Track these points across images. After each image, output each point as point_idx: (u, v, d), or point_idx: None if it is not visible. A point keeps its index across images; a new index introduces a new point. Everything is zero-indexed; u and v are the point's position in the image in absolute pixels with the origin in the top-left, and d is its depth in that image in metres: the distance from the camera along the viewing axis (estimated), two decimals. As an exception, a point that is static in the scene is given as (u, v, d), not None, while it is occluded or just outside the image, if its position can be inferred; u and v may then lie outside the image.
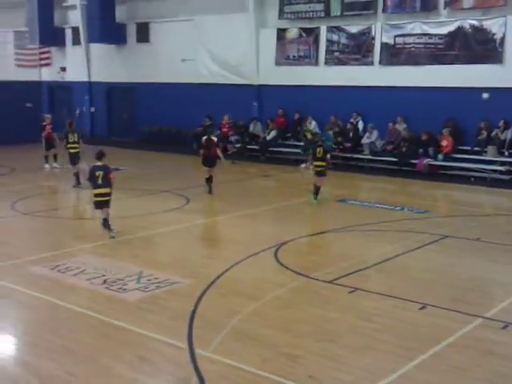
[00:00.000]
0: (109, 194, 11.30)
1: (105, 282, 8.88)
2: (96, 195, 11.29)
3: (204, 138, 15.81)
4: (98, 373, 6.26)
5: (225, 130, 21.97)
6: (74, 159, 16.62)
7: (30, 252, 10.65)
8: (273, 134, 21.83)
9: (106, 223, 11.35)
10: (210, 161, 15.52)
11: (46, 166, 19.20)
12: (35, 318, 7.83)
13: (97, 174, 11.29)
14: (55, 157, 19.40)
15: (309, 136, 20.24)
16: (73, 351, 6.75)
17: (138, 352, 6.70)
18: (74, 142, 16.88)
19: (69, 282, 8.95)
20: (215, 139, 15.88)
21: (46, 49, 29.51)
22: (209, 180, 15.50)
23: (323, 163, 14.17)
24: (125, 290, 8.58)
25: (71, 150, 16.79)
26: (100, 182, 11.25)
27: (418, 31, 19.37)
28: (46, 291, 8.52)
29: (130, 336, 7.13)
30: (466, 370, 6.32)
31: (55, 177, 18.77)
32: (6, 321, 7.87)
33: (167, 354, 6.68)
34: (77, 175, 16.18)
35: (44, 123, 19.55)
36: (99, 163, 11.44)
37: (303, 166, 19.72)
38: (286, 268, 9.58)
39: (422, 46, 19.34)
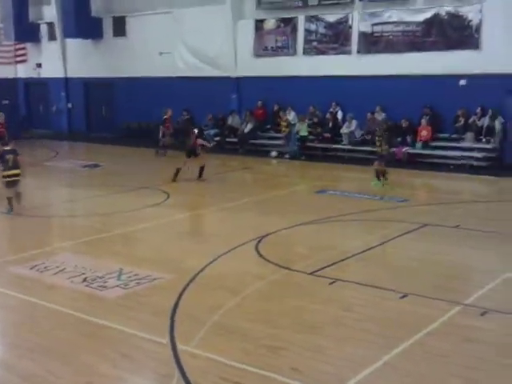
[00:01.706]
0: (19, 175, 12.78)
1: (85, 279, 8.81)
2: (8, 176, 12.67)
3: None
4: (80, 371, 6.22)
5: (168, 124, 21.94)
6: None
7: (7, 252, 10.57)
8: (249, 126, 21.79)
9: (11, 200, 12.73)
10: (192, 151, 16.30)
11: None
12: (15, 318, 7.76)
13: (7, 157, 12.69)
14: None
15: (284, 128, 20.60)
16: (54, 350, 6.70)
17: (120, 349, 6.67)
18: None
19: (48, 281, 8.87)
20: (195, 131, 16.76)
21: (21, 45, 29.17)
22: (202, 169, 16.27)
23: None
24: (105, 287, 8.53)
25: None
26: (11, 164, 12.67)
27: (395, 19, 19.43)
28: (25, 291, 8.44)
29: (112, 333, 7.09)
30: (448, 356, 6.38)
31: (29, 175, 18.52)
32: (-15, 322, 7.82)
33: (149, 350, 6.65)
34: None
35: None
36: (8, 147, 12.91)
37: (273, 154, 20.30)
38: (267, 261, 9.58)
39: (400, 33, 19.41)
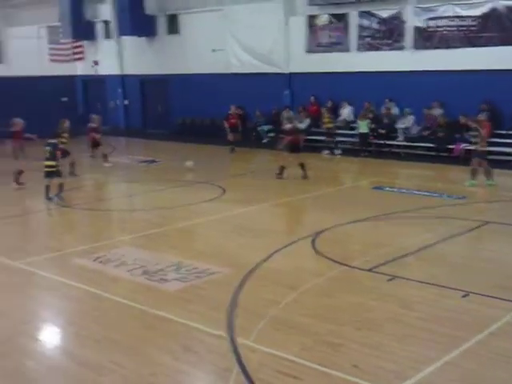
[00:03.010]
0: (53, 167, 13.51)
1: (145, 272, 8.99)
2: (45, 166, 13.58)
3: (288, 125, 16.30)
4: (142, 362, 6.35)
5: (233, 120, 21.78)
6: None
7: (71, 244, 10.83)
8: (307, 122, 21.70)
9: (47, 189, 13.55)
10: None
11: None
12: (79, 308, 7.98)
13: (46, 148, 13.57)
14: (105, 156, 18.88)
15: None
16: (117, 341, 6.86)
17: (181, 342, 6.78)
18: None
19: (110, 274, 9.09)
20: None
21: (78, 43, 29.81)
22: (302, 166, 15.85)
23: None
24: (165, 280, 8.68)
25: None
26: (48, 155, 13.53)
27: (451, 13, 19.04)
28: (89, 282, 8.66)
29: (173, 326, 7.21)
30: (511, 357, 6.25)
31: (95, 170, 18.95)
32: (52, 312, 8.05)
33: (209, 343, 6.74)
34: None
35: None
36: (52, 140, 13.80)
37: (326, 152, 20.08)
38: (324, 256, 9.56)
39: (455, 28, 19.02)
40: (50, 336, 7.32)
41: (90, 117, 19.75)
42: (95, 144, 18.96)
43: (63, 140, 15.93)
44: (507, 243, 10.22)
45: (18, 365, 6.39)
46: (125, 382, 5.93)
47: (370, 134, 20.18)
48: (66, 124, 16.75)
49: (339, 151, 20.34)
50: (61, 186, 13.59)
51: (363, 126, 20.07)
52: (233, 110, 21.79)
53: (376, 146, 20.19)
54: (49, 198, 13.53)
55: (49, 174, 13.59)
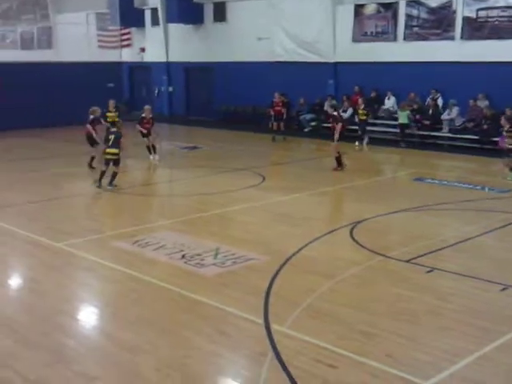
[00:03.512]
0: (116, 154, 13.58)
1: (183, 257, 9.09)
2: (106, 153, 13.69)
3: (334, 113, 15.86)
4: (178, 344, 6.45)
5: (278, 108, 21.44)
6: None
7: (111, 227, 11.06)
8: (349, 111, 21.53)
9: (102, 175, 13.67)
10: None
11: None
12: (117, 290, 8.12)
13: (110, 137, 13.61)
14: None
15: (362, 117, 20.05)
16: (154, 323, 6.96)
17: (216, 326, 6.85)
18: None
19: (149, 257, 9.22)
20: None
21: (126, 30, 30.17)
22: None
23: None
24: (202, 265, 8.76)
25: None
26: (110, 143, 13.57)
27: (502, 4, 18.66)
28: (127, 265, 8.81)
29: (209, 310, 7.29)
30: (550, 353, 6.15)
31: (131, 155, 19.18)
32: (90, 292, 8.22)
33: (245, 328, 6.80)
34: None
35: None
36: (114, 129, 13.75)
37: (357, 144, 19.49)
38: (362, 246, 9.51)
39: (506, 19, 18.60)
40: (89, 316, 7.46)
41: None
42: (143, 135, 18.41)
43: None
44: (551, 238, 9.99)
45: (57, 343, 6.55)
46: (159, 363, 6.03)
47: (412, 124, 19.89)
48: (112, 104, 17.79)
49: (366, 140, 19.82)
50: (114, 175, 13.69)
51: (403, 117, 19.84)
52: (277, 97, 21.54)
53: (420, 137, 19.92)
54: (99, 185, 13.62)
55: (109, 162, 13.70)
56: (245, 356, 6.29)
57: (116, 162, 13.67)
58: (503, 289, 7.73)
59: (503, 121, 15.02)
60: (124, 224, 11.09)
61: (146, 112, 17.41)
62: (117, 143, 13.57)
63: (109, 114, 17.32)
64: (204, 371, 5.98)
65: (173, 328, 6.84)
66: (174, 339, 6.58)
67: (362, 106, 20.09)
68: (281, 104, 21.45)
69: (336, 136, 15.19)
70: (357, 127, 20.13)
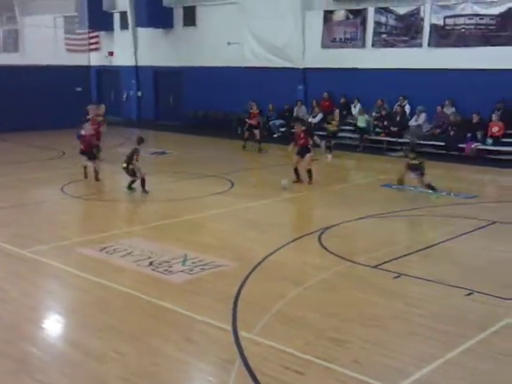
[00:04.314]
0: (126, 168, 13.76)
1: (151, 263, 9.02)
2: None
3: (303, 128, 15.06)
4: (145, 352, 6.39)
5: (254, 119, 20.69)
6: None
7: (78, 234, 10.92)
8: (319, 116, 21.66)
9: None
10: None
11: None
12: (84, 297, 8.02)
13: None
14: None
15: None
16: (121, 330, 6.90)
17: (184, 333, 6.81)
18: None
19: (116, 264, 9.13)
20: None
21: (94, 33, 29.93)
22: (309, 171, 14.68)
23: None
24: (170, 272, 8.71)
25: None
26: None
27: (469, 11, 18.95)
28: (94, 272, 8.71)
29: (177, 317, 7.25)
30: (514, 357, 6.24)
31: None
32: (56, 300, 8.11)
33: (212, 335, 6.77)
34: None
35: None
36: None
37: (328, 156, 18.63)
38: (330, 252, 9.56)
39: (473, 27, 18.91)
40: (55, 324, 7.37)
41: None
42: None
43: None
44: (514, 243, 10.17)
45: (22, 352, 6.45)
46: (126, 371, 5.97)
47: (370, 129, 20.10)
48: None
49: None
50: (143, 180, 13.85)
51: (361, 121, 20.08)
52: (254, 108, 20.74)
53: (387, 143, 20.11)
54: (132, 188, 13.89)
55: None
56: (212, 363, 6.26)
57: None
58: (468, 294, 7.83)
59: None
60: (91, 231, 10.97)
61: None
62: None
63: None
64: (172, 379, 5.95)
65: (140, 335, 6.78)
66: (141, 347, 6.52)
67: (338, 118, 20.23)
68: (258, 115, 20.90)
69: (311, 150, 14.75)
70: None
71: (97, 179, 15.06)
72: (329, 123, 20.31)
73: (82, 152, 15.35)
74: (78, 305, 7.83)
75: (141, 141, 14.07)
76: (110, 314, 7.38)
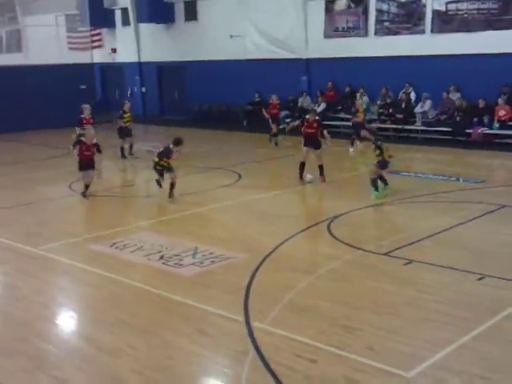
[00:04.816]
0: (157, 163, 12.78)
1: (161, 257, 9.05)
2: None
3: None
4: (158, 345, 6.41)
5: (274, 111, 19.85)
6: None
7: (88, 230, 10.96)
8: (323, 106, 21.60)
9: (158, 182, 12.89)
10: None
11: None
12: (96, 293, 8.05)
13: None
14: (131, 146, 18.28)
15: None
16: (133, 325, 6.92)
17: (196, 326, 6.83)
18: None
19: (127, 259, 9.16)
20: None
21: (96, 31, 29.92)
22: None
23: None
24: (181, 265, 8.73)
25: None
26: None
27: (471, -4, 18.81)
28: (105, 268, 8.74)
29: (189, 310, 7.26)
30: (528, 340, 6.23)
31: (108, 158, 19.02)
32: (69, 297, 8.15)
33: (225, 327, 6.78)
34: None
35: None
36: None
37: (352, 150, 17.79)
38: (340, 241, 9.55)
39: (475, 11, 18.77)
40: (68, 320, 7.41)
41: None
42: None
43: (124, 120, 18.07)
44: (524, 226, 10.12)
45: (36, 349, 6.48)
46: (140, 366, 5.99)
47: (384, 118, 19.98)
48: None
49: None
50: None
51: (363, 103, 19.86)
52: (274, 99, 19.71)
53: (393, 130, 20.05)
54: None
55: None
56: (226, 355, 6.27)
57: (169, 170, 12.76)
58: (480, 278, 7.81)
59: None
60: (100, 227, 11.00)
61: (86, 111, 17.56)
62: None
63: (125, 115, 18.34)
64: (186, 372, 5.96)
65: (153, 329, 6.80)
66: (154, 341, 6.54)
67: (362, 109, 18.55)
68: (278, 106, 19.97)
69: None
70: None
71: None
72: (354, 115, 18.40)
73: (82, 164, 12.97)
74: (90, 300, 7.86)
75: (177, 142, 12.68)
76: (122, 308, 7.41)
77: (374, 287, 7.76)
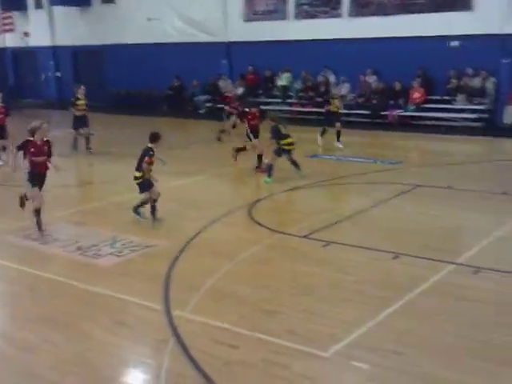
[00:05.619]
0: (137, 178, 9.99)
1: (79, 248, 8.83)
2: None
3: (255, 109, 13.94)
4: (77, 339, 6.26)
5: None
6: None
7: (2, 222, 10.53)
8: (240, 90, 21.58)
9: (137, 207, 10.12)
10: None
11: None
12: (12, 288, 7.80)
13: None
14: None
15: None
16: (53, 319, 6.73)
17: (116, 316, 6.72)
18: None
19: (42, 251, 8.89)
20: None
21: (7, 14, 28.75)
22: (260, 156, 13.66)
23: None
24: (99, 255, 8.55)
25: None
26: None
27: (385, -20, 19.19)
28: (19, 260, 8.47)
29: (108, 301, 7.13)
30: (441, 314, 6.46)
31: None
32: (-18, 293, 7.84)
33: (145, 316, 6.71)
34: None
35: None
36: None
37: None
38: (261, 225, 9.61)
39: (391, -5, 19.18)
40: (-18, 317, 7.13)
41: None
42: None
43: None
44: (437, 205, 10.49)
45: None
46: (60, 361, 5.84)
47: (304, 102, 20.23)
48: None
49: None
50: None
51: (283, 79, 20.03)
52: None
53: (314, 114, 20.29)
54: None
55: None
56: (146, 344, 6.21)
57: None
58: (395, 257, 8.05)
59: None
60: (14, 218, 10.57)
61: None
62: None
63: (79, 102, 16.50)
64: (105, 364, 5.85)
65: (72, 323, 6.64)
66: (73, 334, 6.39)
67: (338, 97, 17.00)
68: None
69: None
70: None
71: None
72: (328, 102, 16.50)
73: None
74: (7, 296, 7.61)
75: (155, 138, 10.12)
76: (41, 303, 7.19)
77: (294, 270, 7.86)
